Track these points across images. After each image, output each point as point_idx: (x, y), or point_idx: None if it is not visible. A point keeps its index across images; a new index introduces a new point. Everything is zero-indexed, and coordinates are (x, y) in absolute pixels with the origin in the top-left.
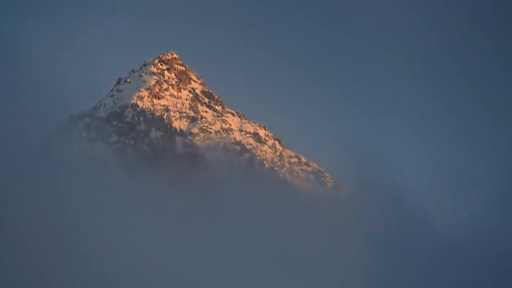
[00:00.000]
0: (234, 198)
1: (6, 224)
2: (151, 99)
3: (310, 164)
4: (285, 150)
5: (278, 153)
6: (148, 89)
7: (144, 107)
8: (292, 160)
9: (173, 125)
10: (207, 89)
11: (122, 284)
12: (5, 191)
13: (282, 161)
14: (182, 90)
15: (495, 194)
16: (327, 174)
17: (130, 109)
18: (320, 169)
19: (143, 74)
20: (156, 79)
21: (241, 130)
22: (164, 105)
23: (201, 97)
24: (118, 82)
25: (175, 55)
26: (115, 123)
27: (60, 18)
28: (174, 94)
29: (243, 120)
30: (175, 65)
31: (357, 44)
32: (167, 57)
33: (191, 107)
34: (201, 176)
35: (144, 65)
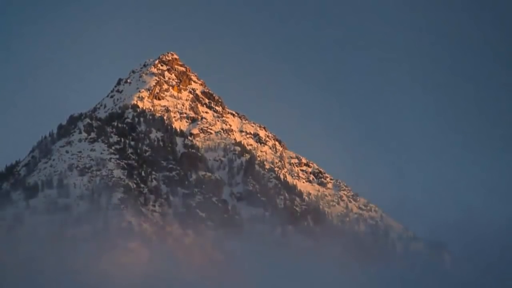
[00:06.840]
0: (234, 199)
1: (6, 222)
2: (151, 99)
3: (310, 164)
4: (286, 150)
5: (278, 154)
6: (149, 89)
7: (144, 108)
8: (293, 160)
9: (174, 126)
10: (207, 90)
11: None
12: (6, 191)
13: (282, 161)
14: (182, 90)
15: None
16: (327, 175)
17: (130, 110)
18: (321, 169)
19: (144, 74)
20: (156, 79)
21: (241, 131)
22: (164, 105)
23: (201, 97)
24: (118, 83)
25: (175, 56)
26: (115, 123)
27: (60, 18)
28: (175, 94)
29: (244, 121)
30: (176, 66)
31: (358, 46)
32: (167, 57)
33: (191, 108)
34: (201, 176)
35: (145, 65)
